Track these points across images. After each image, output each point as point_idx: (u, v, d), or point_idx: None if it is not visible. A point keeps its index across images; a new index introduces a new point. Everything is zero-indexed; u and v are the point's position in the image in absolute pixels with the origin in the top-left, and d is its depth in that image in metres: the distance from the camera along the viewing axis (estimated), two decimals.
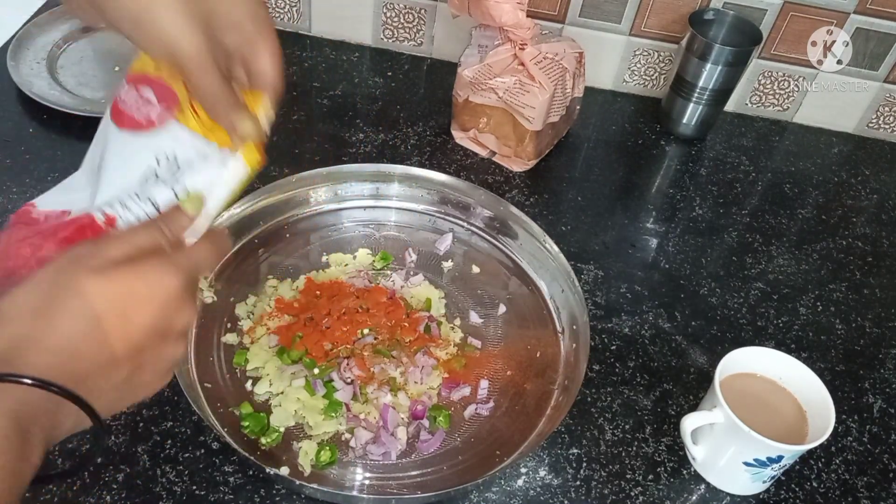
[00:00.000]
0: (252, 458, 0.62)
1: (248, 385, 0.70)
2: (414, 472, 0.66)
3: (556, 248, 0.80)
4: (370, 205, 0.87)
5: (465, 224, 0.87)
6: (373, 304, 0.75)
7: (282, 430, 0.67)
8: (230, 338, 0.73)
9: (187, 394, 0.64)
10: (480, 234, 0.86)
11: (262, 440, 0.66)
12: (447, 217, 0.87)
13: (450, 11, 0.91)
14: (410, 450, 0.67)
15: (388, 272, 0.81)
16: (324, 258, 0.81)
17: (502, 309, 0.79)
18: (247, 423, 0.67)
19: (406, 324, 0.74)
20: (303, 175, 0.84)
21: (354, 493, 0.64)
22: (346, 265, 0.81)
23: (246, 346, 0.73)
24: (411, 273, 0.81)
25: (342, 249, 0.82)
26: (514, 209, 0.84)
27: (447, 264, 0.83)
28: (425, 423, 0.69)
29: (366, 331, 0.73)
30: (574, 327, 0.75)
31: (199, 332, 0.73)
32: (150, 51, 0.49)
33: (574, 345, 0.74)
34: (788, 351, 0.71)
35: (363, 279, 0.79)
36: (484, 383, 0.73)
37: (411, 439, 0.68)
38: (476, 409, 0.71)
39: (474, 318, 0.78)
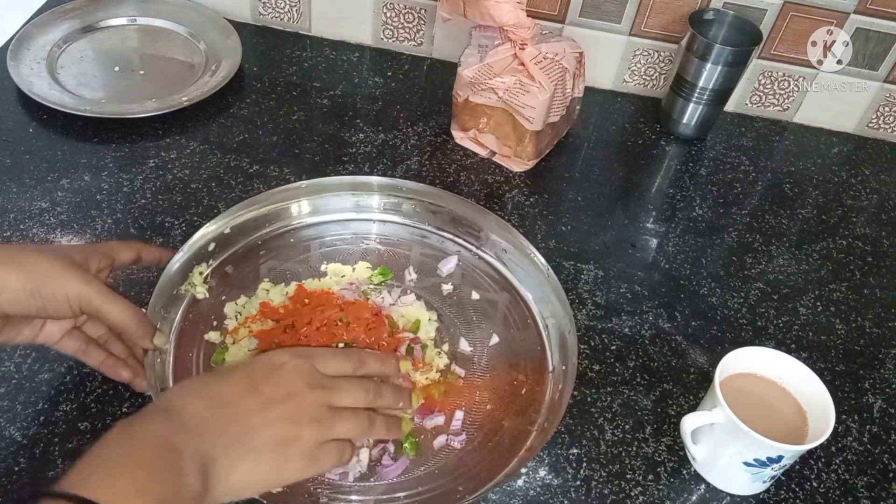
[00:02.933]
0: None
1: None
2: (366, 498, 0.63)
3: (558, 283, 0.76)
4: (380, 218, 0.85)
5: (473, 248, 0.83)
6: (354, 319, 0.73)
7: None
8: (213, 335, 0.72)
9: (153, 383, 0.63)
10: (487, 259, 0.82)
11: None
12: (456, 238, 0.84)
13: (440, 15, 0.91)
14: (370, 473, 0.65)
15: (382, 288, 0.79)
16: (322, 267, 0.80)
17: (495, 339, 0.76)
18: None
19: (385, 343, 0.72)
20: (313, 182, 0.83)
21: None
22: (343, 276, 0.79)
23: (227, 345, 0.72)
24: (406, 292, 0.78)
25: (343, 260, 0.81)
26: (524, 240, 0.80)
27: (447, 287, 0.80)
28: (391, 447, 0.66)
29: (341, 345, 0.71)
30: (564, 368, 0.71)
31: (185, 325, 0.72)
32: (60, 309, 0.57)
33: (560, 385, 0.70)
34: (788, 351, 0.71)
35: (353, 293, 0.77)
36: (459, 414, 0.69)
37: (373, 463, 0.65)
38: (447, 440, 0.67)
39: (464, 345, 0.75)
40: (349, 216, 0.85)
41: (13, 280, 0.54)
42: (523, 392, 0.72)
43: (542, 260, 0.78)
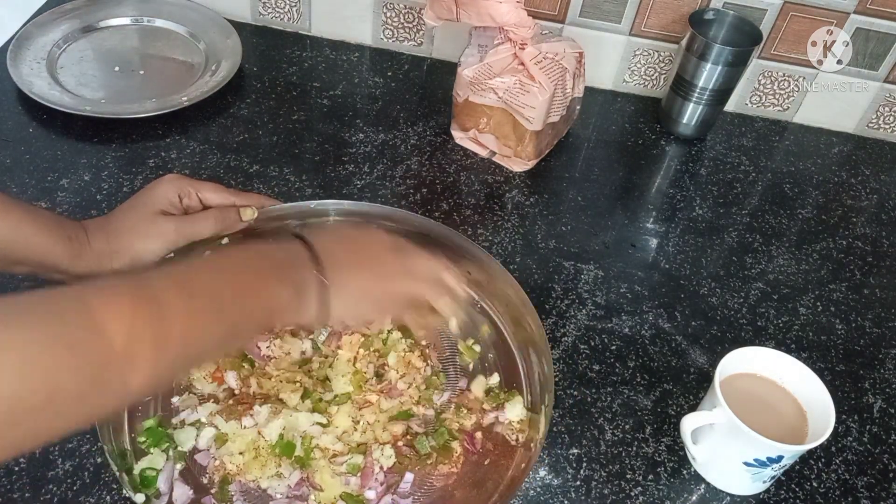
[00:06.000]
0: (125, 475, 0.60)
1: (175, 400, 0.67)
2: None
3: (547, 344, 0.71)
4: None
5: (475, 297, 0.78)
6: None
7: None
8: None
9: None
10: (489, 312, 0.77)
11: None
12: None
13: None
14: None
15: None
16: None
17: None
18: (143, 438, 0.64)
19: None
20: (322, 203, 0.81)
21: None
22: None
23: None
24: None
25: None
26: (525, 297, 0.74)
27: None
28: None
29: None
30: (532, 445, 0.67)
31: None
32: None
33: (523, 465, 0.66)
34: (788, 351, 0.71)
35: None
36: (409, 476, 0.64)
37: None
38: (392, 501, 0.64)
39: (437, 398, 0.71)
40: None
41: (157, 246, 0.71)
42: (486, 462, 0.67)
43: (539, 322, 0.73)
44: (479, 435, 0.68)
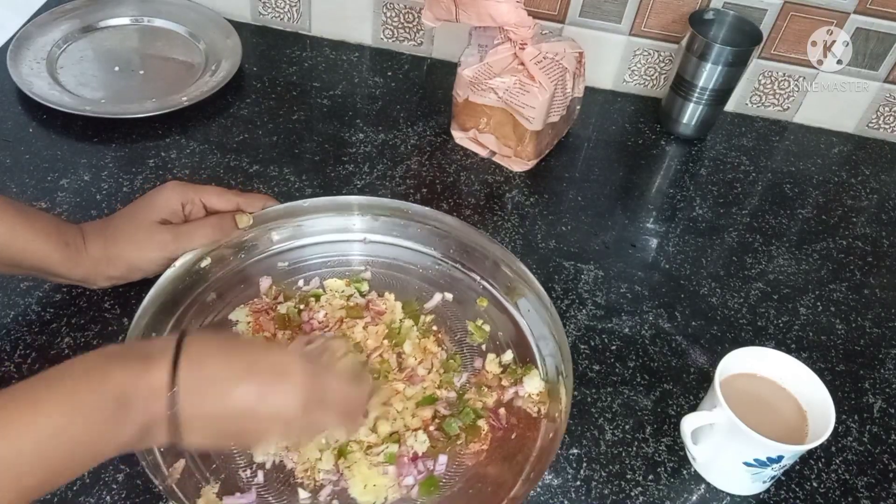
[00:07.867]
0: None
1: None
2: None
3: (559, 320, 0.73)
4: (381, 241, 0.82)
5: (477, 278, 0.80)
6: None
7: None
8: None
9: None
10: (491, 291, 0.79)
11: None
12: (468, 272, 0.80)
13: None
14: None
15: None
16: (316, 282, 0.79)
17: None
18: None
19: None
20: (322, 200, 0.81)
21: None
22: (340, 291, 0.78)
23: None
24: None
25: (339, 276, 0.79)
26: (528, 272, 0.77)
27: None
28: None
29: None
30: (556, 415, 0.68)
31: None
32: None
33: (551, 434, 0.67)
34: (788, 351, 0.71)
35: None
36: (443, 458, 0.66)
37: None
38: None
39: (456, 380, 0.72)
40: (348, 237, 0.82)
41: (154, 256, 0.72)
42: (513, 436, 0.68)
43: (545, 294, 0.75)
44: (502, 411, 0.70)
